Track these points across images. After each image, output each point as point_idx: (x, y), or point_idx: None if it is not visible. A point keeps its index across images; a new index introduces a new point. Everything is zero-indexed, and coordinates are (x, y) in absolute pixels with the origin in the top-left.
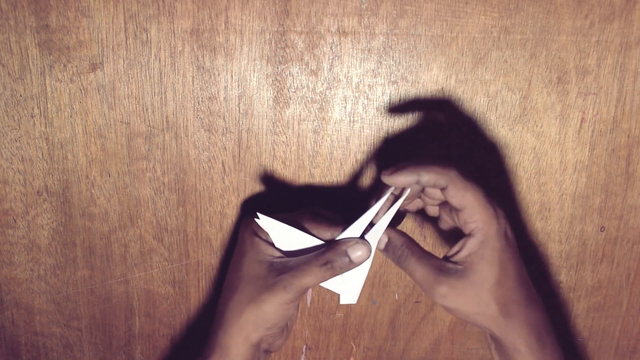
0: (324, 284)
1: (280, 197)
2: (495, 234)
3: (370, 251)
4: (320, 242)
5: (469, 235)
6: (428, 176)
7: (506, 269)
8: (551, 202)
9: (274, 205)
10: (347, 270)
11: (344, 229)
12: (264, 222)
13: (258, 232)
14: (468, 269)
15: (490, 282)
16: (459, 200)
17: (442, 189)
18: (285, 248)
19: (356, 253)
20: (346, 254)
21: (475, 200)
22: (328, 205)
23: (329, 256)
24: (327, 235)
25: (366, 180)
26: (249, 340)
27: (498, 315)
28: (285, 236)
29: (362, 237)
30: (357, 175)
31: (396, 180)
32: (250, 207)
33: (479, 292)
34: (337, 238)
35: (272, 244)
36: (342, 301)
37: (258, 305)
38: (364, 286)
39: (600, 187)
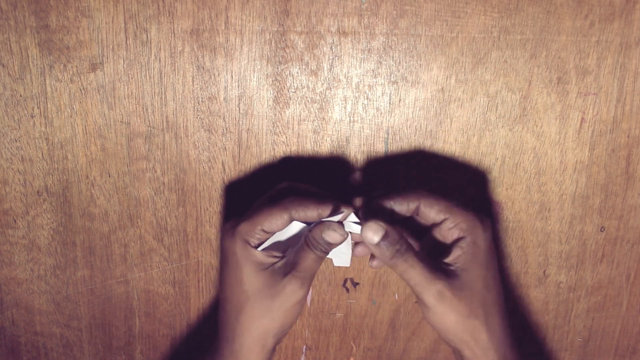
0: None
1: (280, 197)
2: (482, 234)
3: (345, 233)
4: (304, 225)
5: (458, 239)
6: (399, 204)
7: (491, 271)
8: (551, 202)
9: None
10: (333, 249)
11: (330, 207)
12: (265, 247)
13: (248, 239)
14: (461, 269)
15: (479, 285)
16: (436, 214)
17: (418, 210)
18: (285, 245)
19: (331, 237)
20: (322, 238)
21: (453, 206)
22: None
23: (312, 240)
24: (314, 214)
25: (366, 180)
26: (266, 347)
27: (481, 323)
28: (281, 237)
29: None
30: (356, 176)
31: (375, 224)
32: (248, 209)
33: (471, 294)
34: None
35: (264, 249)
36: (336, 264)
37: (274, 314)
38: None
39: (600, 187)
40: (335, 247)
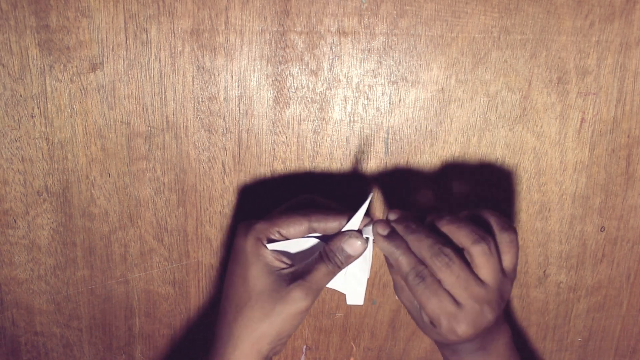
0: (330, 285)
1: (280, 197)
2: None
3: (366, 241)
4: (319, 241)
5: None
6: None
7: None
8: (551, 202)
9: (274, 206)
10: (349, 263)
11: (348, 219)
12: (275, 247)
13: (262, 239)
14: None
15: None
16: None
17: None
18: (295, 257)
19: (351, 246)
20: (343, 249)
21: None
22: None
23: (328, 252)
24: (335, 225)
25: (366, 180)
26: (261, 354)
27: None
28: (293, 247)
29: (359, 230)
30: (356, 176)
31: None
32: (248, 209)
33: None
34: (342, 230)
35: (275, 252)
36: (349, 302)
37: (274, 319)
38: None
39: (600, 187)
40: (353, 260)
